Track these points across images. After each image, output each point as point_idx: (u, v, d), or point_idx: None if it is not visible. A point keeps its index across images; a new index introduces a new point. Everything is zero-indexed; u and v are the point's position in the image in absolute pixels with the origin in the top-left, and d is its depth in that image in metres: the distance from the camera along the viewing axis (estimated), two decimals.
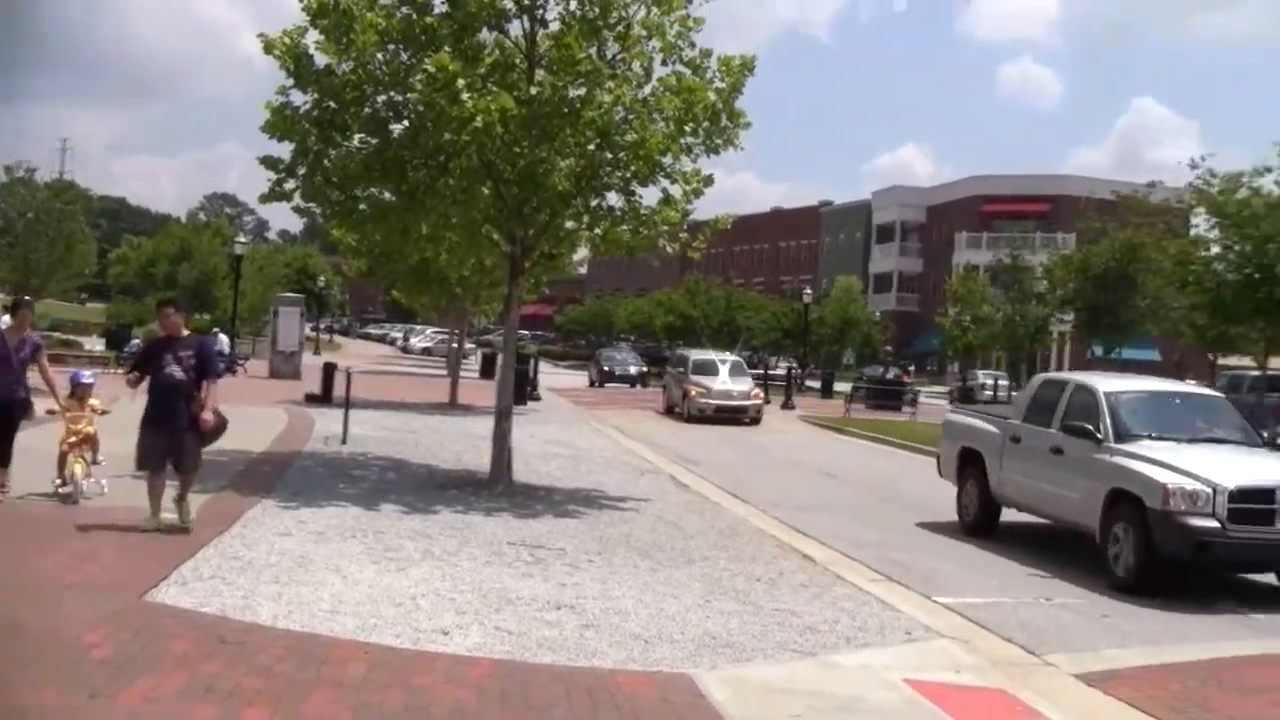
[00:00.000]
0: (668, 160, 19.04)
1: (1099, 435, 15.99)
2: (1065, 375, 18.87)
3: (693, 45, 19.08)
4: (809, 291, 75.36)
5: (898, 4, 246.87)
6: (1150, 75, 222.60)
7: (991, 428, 19.15)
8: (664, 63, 19.03)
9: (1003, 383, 61.85)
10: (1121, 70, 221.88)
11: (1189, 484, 14.25)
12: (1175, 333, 36.11)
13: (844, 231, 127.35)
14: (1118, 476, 15.25)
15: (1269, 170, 28.31)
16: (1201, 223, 29.94)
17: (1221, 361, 37.89)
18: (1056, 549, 17.06)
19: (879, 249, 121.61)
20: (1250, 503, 14.13)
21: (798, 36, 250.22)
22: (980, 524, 18.77)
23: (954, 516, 19.88)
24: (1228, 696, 10.23)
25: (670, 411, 43.42)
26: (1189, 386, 19.88)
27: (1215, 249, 29.37)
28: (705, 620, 11.43)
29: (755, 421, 40.58)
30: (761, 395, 43.14)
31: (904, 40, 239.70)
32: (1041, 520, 18.12)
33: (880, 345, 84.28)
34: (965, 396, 50.80)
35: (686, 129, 18.83)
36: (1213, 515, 14.00)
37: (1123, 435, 15.85)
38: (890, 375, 67.48)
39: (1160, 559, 14.38)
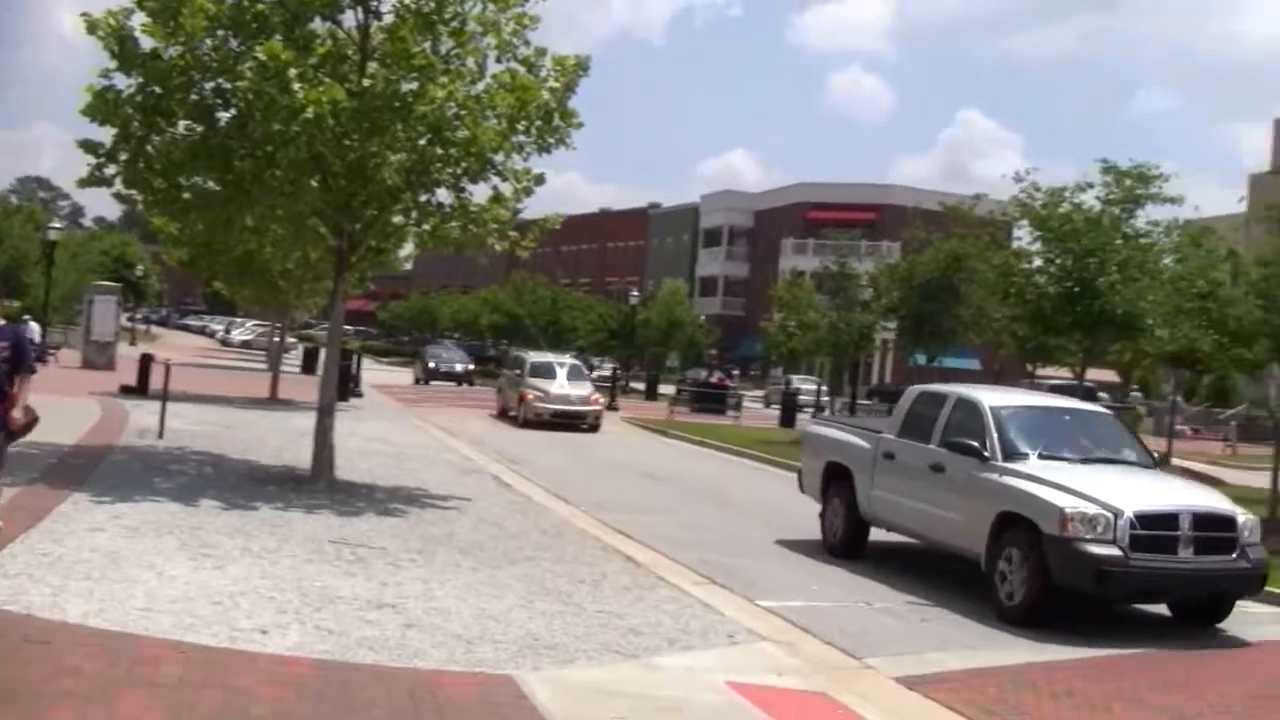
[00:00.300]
0: (499, 158, 18.95)
1: (985, 453, 14.82)
2: (945, 388, 17.26)
3: (527, 43, 19.02)
4: (636, 293, 75.65)
5: (732, 10, 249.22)
6: (977, 89, 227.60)
7: (861, 442, 17.71)
8: (498, 60, 18.93)
9: (811, 386, 63.06)
10: (949, 83, 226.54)
11: (1088, 508, 13.27)
12: (996, 343, 36.84)
13: (671, 234, 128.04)
14: (1007, 498, 14.15)
15: (1091, 186, 28.96)
16: (1024, 235, 30.55)
17: (1040, 372, 38.82)
18: (928, 571, 16.51)
19: (706, 253, 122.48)
20: (1153, 529, 13.25)
21: (631, 39, 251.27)
22: (847, 545, 17.39)
23: (783, 518, 20.01)
24: (1041, 699, 10.50)
25: (505, 415, 42.04)
26: (1077, 402, 18.63)
27: (1037, 262, 29.96)
28: (528, 621, 11.36)
29: (594, 428, 39.46)
30: (601, 401, 41.92)
31: (737, 47, 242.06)
32: (911, 540, 17.08)
33: (705, 349, 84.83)
34: (788, 402, 51.28)
35: (519, 127, 18.75)
36: (1114, 542, 13.08)
37: (1011, 453, 14.75)
38: (714, 379, 68.14)
39: (1056, 589, 13.35)
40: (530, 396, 39.53)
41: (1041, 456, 14.76)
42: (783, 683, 10.22)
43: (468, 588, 12.60)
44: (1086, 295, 28.26)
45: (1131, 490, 13.90)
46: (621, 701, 9.15)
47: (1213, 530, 13.57)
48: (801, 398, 54.00)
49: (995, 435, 14.96)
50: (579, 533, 17.50)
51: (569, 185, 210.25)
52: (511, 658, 10.00)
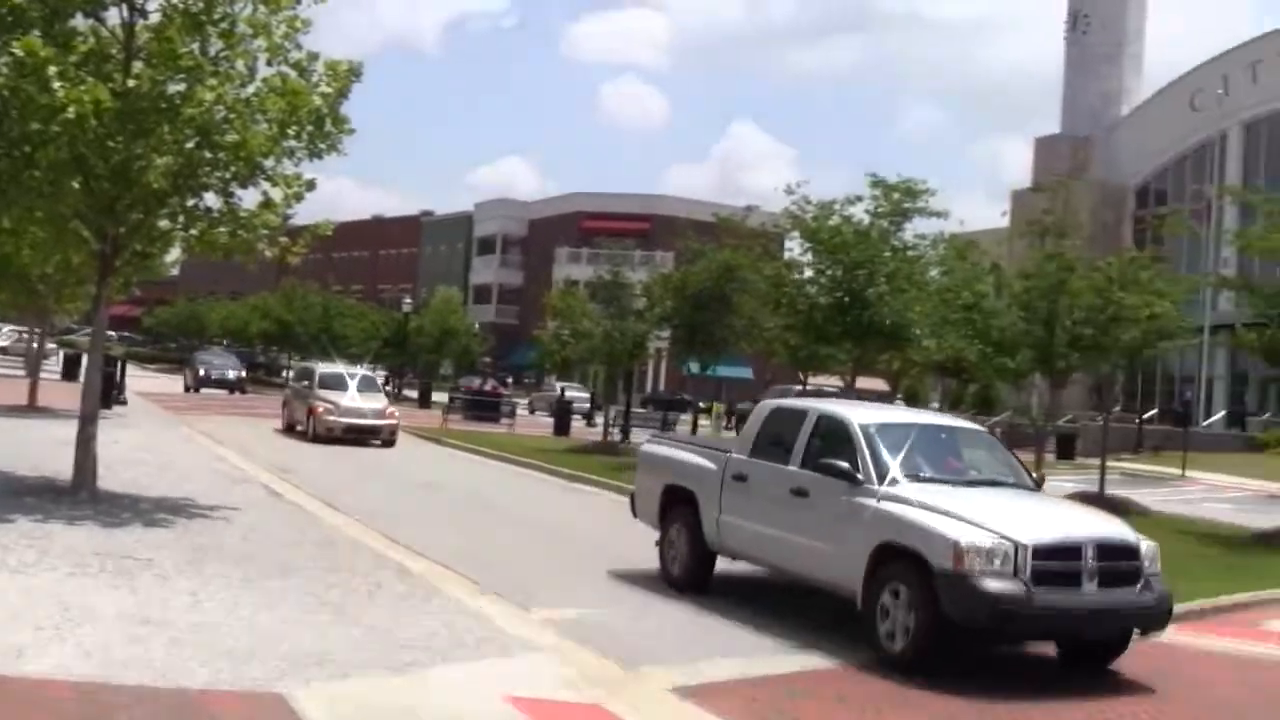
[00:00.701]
0: (269, 163, 18.54)
1: (858, 475, 13.19)
2: (803, 403, 15.90)
3: (299, 47, 18.65)
4: (409, 301, 75.08)
5: (507, 19, 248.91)
6: (750, 102, 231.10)
7: (707, 463, 15.86)
8: (269, 63, 18.52)
9: (580, 393, 63.57)
10: (723, 95, 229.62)
11: (985, 539, 11.80)
12: (768, 352, 37.39)
13: (445, 242, 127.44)
14: (887, 527, 12.56)
15: (860, 199, 29.60)
16: (796, 247, 31.08)
17: (812, 381, 39.45)
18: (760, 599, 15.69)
19: (480, 261, 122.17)
20: (1056, 560, 11.91)
21: (405, 45, 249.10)
22: (691, 576, 15.63)
23: (557, 526, 19.93)
24: (817, 704, 10.64)
25: (292, 430, 39.44)
26: (952, 419, 17.32)
27: (808, 272, 30.51)
28: (300, 635, 11.12)
29: (389, 443, 37.21)
30: (396, 414, 39.43)
31: (512, 55, 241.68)
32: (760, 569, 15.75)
33: (478, 357, 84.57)
34: (562, 411, 51.32)
35: (290, 132, 18.38)
36: (1015, 577, 11.68)
37: (886, 476, 13.11)
38: (487, 387, 67.92)
39: (948, 630, 11.83)
40: (320, 410, 37.10)
41: (919, 479, 13.23)
42: (558, 694, 10.16)
43: (237, 601, 12.28)
44: (856, 305, 28.87)
45: (1026, 517, 12.53)
46: (395, 716, 9.04)
47: (1116, 560, 12.30)
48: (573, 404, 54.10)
49: (867, 455, 13.35)
50: (352, 543, 17.23)
51: (341, 191, 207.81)
52: (282, 674, 9.75)
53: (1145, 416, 64.50)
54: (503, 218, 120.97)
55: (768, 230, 35.05)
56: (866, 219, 29.59)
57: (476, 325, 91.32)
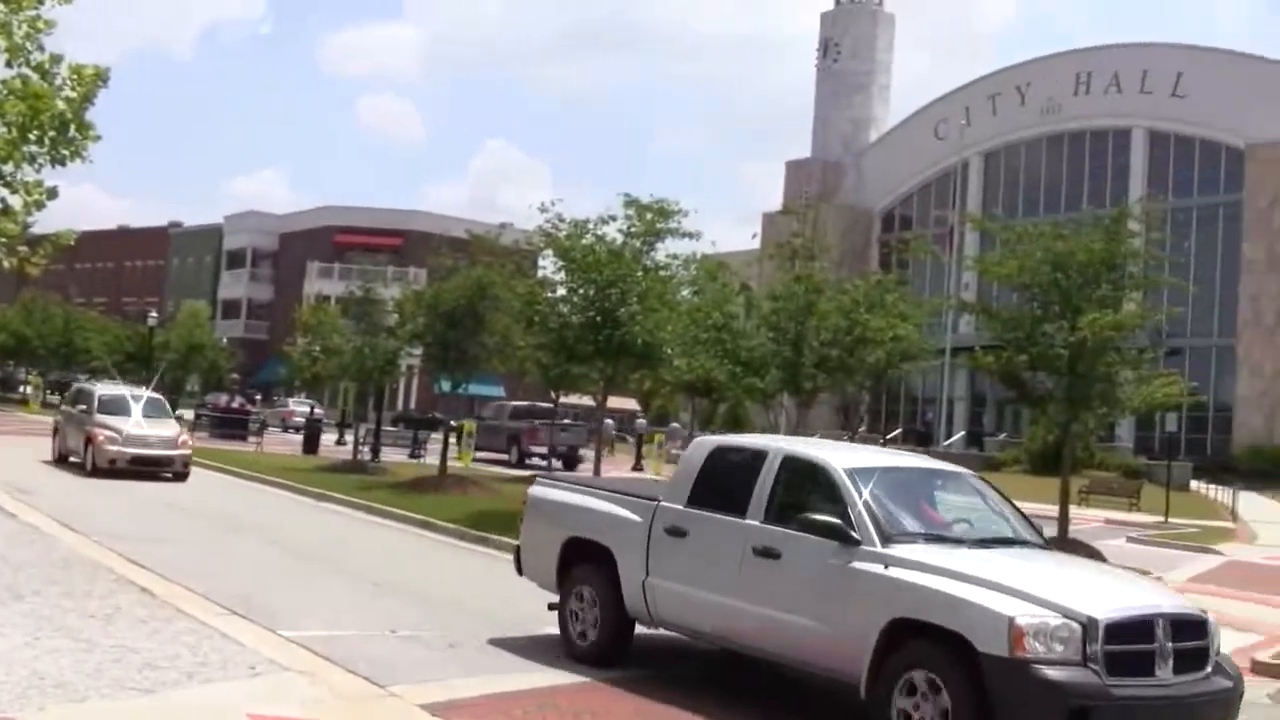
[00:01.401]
0: (8, 168, 17.84)
1: (853, 534, 10.64)
2: (758, 441, 12.94)
3: (42, 49, 17.97)
4: (154, 314, 73.05)
5: (262, 28, 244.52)
6: (506, 119, 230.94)
7: (626, 512, 13.00)
8: (9, 64, 17.80)
9: (303, 409, 63.17)
10: (479, 111, 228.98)
11: (1048, 617, 9.41)
12: (521, 370, 37.29)
13: (193, 254, 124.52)
14: (904, 599, 10.09)
15: (614, 219, 29.65)
16: (549, 265, 30.99)
17: (564, 400, 39.47)
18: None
19: (229, 274, 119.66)
20: (1129, 642, 9.58)
21: (159, 51, 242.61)
22: (605, 650, 12.84)
23: (299, 542, 19.49)
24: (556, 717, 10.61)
25: (64, 461, 34.77)
26: (938, 462, 13.94)
27: (561, 291, 30.46)
28: (34, 660, 10.67)
29: (183, 476, 32.71)
30: (190, 443, 34.84)
31: (268, 64, 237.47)
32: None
33: (227, 373, 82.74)
34: (311, 429, 50.41)
35: (31, 136, 17.71)
36: (1084, 663, 9.32)
37: (891, 534, 10.66)
38: (235, 404, 66.50)
39: None
40: (101, 439, 32.20)
41: (927, 538, 10.86)
42: (306, 714, 9.93)
43: None
44: (608, 325, 28.92)
45: (1078, 586, 10.30)
46: None
47: (1188, 639, 9.98)
48: (296, 419, 53.27)
49: (861, 509, 10.79)
50: (91, 564, 16.61)
51: (85, 198, 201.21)
52: (15, 699, 9.35)
53: (889, 436, 66.25)
54: (253, 231, 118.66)
55: (521, 248, 34.93)
56: (620, 238, 29.68)
57: (225, 340, 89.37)
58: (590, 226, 29.68)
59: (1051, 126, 75.91)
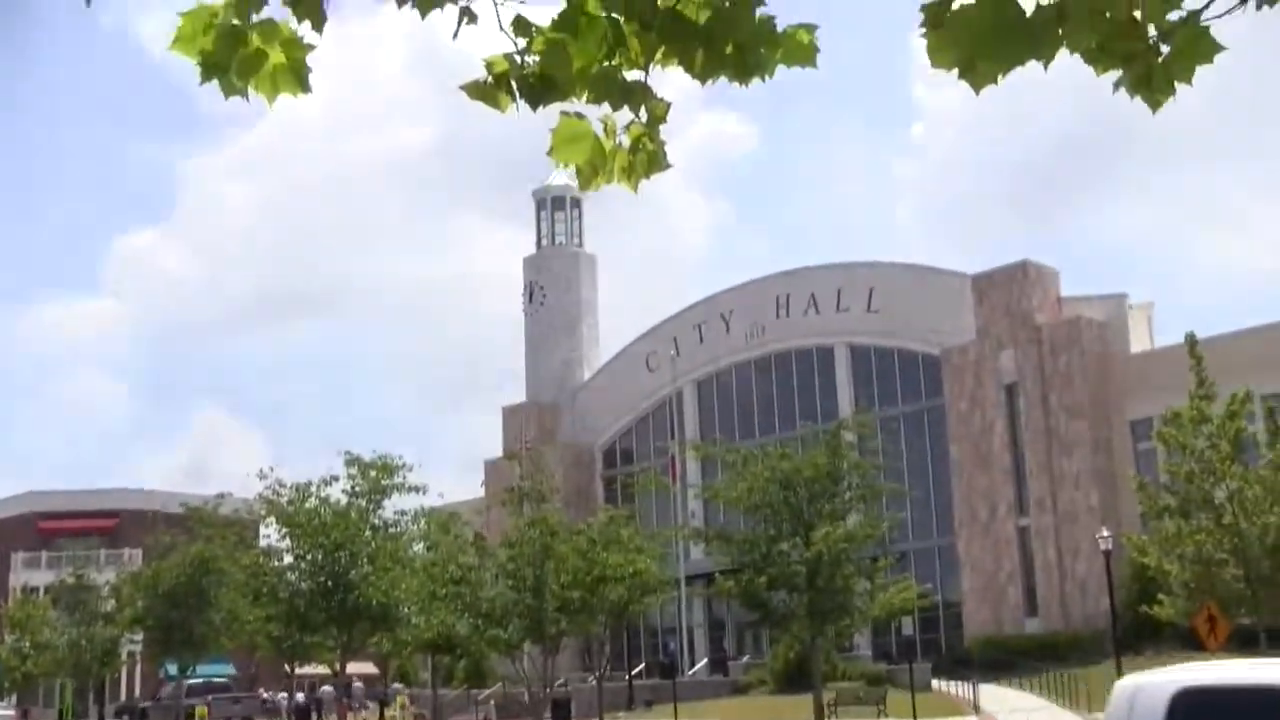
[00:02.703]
0: None
1: None
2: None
3: None
4: None
5: None
6: (216, 386, 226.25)
7: None
8: None
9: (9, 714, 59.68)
10: (187, 381, 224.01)
11: None
12: (251, 645, 35.80)
13: None
14: None
15: (336, 479, 29.09)
16: (273, 533, 30.04)
17: (300, 671, 37.94)
18: None
19: None
20: None
21: None
22: None
23: None
24: None
25: None
26: None
27: (288, 558, 29.53)
28: None
29: None
30: None
31: None
32: None
33: None
34: None
35: None
36: None
37: None
38: None
39: None
40: None
41: None
42: None
43: None
44: (340, 589, 28.13)
45: None
46: None
47: None
48: None
49: None
50: None
51: None
52: None
53: (634, 672, 65.53)
54: None
55: (242, 517, 33.83)
56: (345, 499, 29.05)
57: None
58: (313, 489, 28.94)
59: (758, 350, 77.74)
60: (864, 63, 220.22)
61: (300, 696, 58.85)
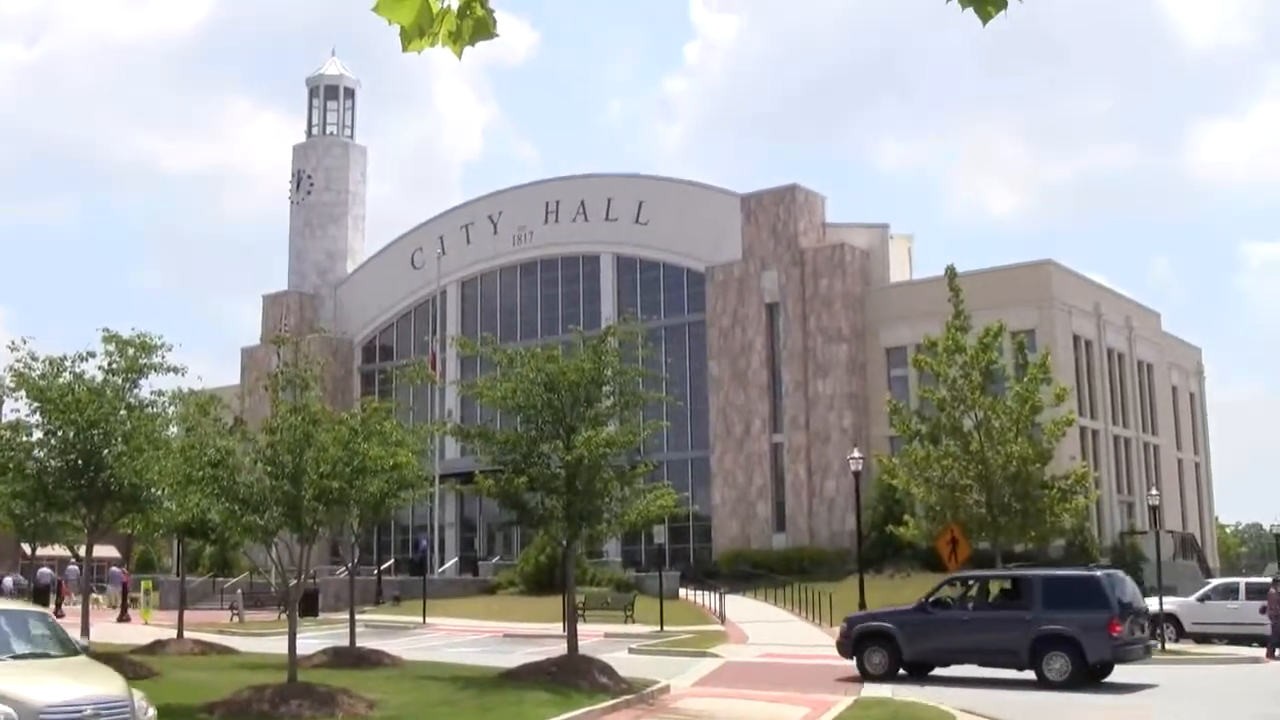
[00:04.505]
0: None
1: None
2: None
3: None
4: None
5: None
6: None
7: None
8: None
9: None
10: None
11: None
12: None
13: None
14: None
15: (93, 355, 28.27)
16: (24, 407, 29.06)
17: (41, 551, 36.99)
18: None
19: None
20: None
21: None
22: None
23: None
24: None
25: None
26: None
27: (38, 434, 28.65)
28: None
29: None
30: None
31: None
32: None
33: None
34: None
35: None
36: None
37: None
38: None
39: None
40: None
41: None
42: None
43: None
44: (91, 468, 27.46)
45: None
46: None
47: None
48: None
49: None
50: None
51: None
52: None
53: (384, 567, 65.60)
54: None
55: None
56: (100, 376, 28.27)
57: None
58: (68, 365, 28.14)
59: (524, 254, 77.76)
60: None
61: (40, 574, 57.40)
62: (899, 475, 36.85)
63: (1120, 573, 29.24)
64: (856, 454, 46.48)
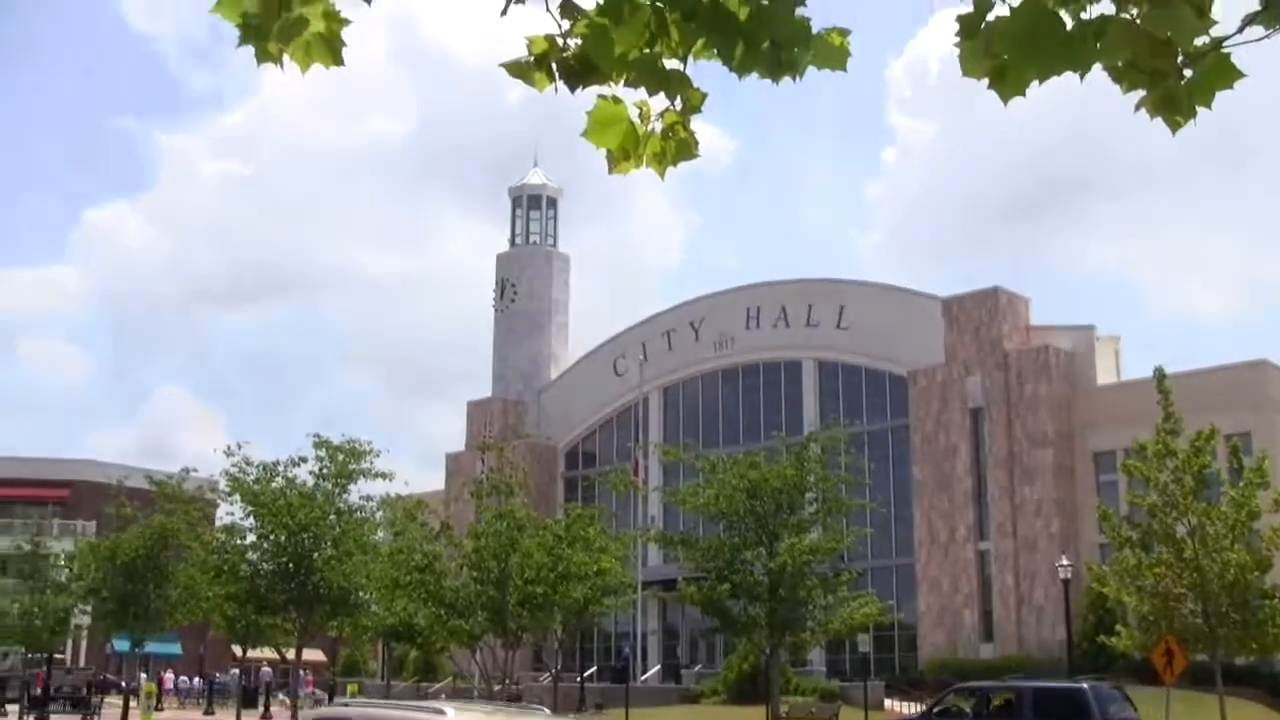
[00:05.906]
0: None
1: None
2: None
3: None
4: None
5: None
6: (178, 364, 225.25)
7: None
8: None
9: None
10: (148, 357, 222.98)
11: None
12: (205, 623, 35.66)
13: None
14: None
15: (305, 460, 29.01)
16: (237, 511, 29.90)
17: (252, 654, 37.83)
18: None
19: None
20: None
21: None
22: None
23: None
24: None
25: None
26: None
27: (251, 538, 29.41)
28: None
29: None
30: None
31: None
32: None
33: None
34: None
35: None
36: None
37: None
38: None
39: None
40: None
41: None
42: None
43: None
44: (302, 571, 28.06)
45: None
46: None
47: None
48: None
49: None
50: None
51: None
52: None
53: (587, 674, 65.55)
54: None
55: (205, 494, 33.70)
56: (311, 481, 28.97)
57: None
58: (280, 470, 28.87)
59: (726, 360, 77.85)
60: (841, 87, 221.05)
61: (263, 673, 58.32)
62: (1109, 584, 35.80)
63: (1107, 686, 29.04)
64: (1065, 561, 45.34)
